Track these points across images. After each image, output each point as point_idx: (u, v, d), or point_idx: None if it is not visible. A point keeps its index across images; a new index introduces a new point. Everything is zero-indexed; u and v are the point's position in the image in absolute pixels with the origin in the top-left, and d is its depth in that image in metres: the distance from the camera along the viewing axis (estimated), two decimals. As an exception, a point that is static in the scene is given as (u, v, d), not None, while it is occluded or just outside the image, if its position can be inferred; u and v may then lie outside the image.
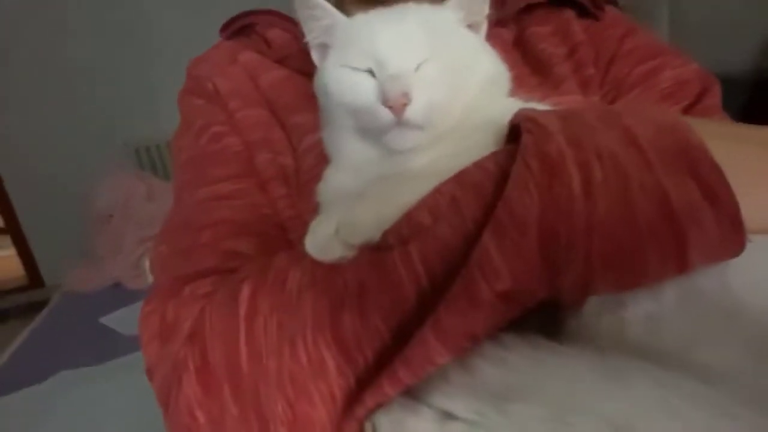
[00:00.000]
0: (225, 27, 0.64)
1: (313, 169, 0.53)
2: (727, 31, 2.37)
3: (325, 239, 0.39)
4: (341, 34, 0.48)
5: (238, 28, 0.63)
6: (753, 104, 2.25)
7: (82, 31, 2.83)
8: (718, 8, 2.43)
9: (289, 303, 0.38)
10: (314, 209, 0.50)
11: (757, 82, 2.32)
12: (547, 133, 0.32)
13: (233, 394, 0.38)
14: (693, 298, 0.31)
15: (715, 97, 0.55)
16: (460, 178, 0.36)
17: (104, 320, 1.96)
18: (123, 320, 1.91)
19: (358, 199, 0.41)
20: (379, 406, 0.34)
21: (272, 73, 0.60)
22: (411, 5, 0.48)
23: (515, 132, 0.36)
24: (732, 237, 0.30)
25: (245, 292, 0.40)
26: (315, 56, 0.51)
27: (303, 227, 0.50)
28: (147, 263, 2.06)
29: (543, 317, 0.35)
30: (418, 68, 0.43)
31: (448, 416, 0.32)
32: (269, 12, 0.61)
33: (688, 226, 0.29)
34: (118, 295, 2.15)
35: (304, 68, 0.59)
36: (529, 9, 0.61)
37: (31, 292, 3.22)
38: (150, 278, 0.54)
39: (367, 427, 0.35)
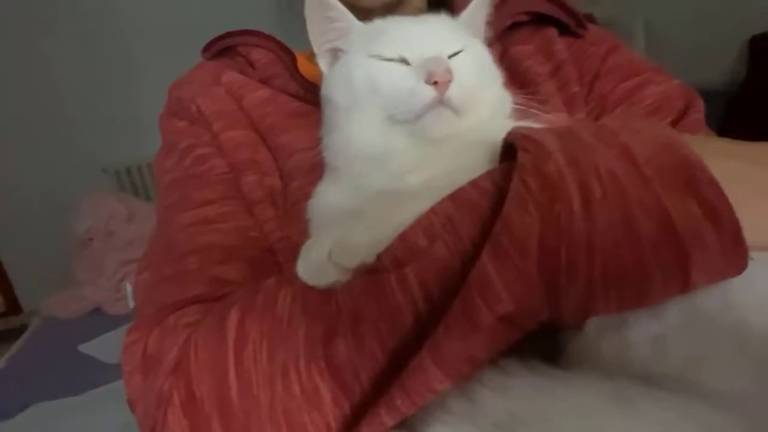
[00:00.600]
0: (207, 48, 0.63)
1: (300, 189, 0.52)
2: (702, 46, 2.43)
3: (318, 263, 0.37)
4: (359, 36, 0.48)
5: (221, 49, 0.62)
6: (729, 117, 2.30)
7: (61, 52, 2.80)
8: (693, 24, 2.50)
9: (279, 329, 0.37)
10: (303, 231, 0.49)
11: (732, 96, 2.38)
12: (546, 152, 0.32)
13: (223, 429, 0.36)
14: (697, 318, 0.31)
15: (699, 112, 0.56)
16: (456, 198, 0.35)
17: (84, 348, 1.90)
18: (104, 347, 1.86)
19: (351, 220, 0.40)
20: (376, 437, 0.33)
21: (256, 94, 0.59)
22: (428, 15, 0.51)
23: (510, 150, 0.35)
24: (734, 255, 0.29)
25: (233, 318, 0.39)
26: (323, 62, 0.51)
27: (292, 250, 0.49)
28: (128, 287, 2.02)
29: (542, 340, 0.34)
30: (450, 58, 0.45)
31: (448, 447, 0.31)
32: (252, 32, 0.61)
33: (690, 244, 0.29)
34: (99, 321, 2.10)
35: (288, 88, 0.59)
36: (512, 28, 0.61)
37: (8, 319, 3.13)
38: (132, 303, 0.52)
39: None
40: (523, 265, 0.30)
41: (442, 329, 0.31)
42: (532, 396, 0.31)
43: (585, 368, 0.32)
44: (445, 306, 0.32)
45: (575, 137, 0.33)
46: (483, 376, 0.32)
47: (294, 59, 0.59)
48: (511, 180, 0.32)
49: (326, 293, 0.37)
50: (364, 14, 0.50)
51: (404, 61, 0.45)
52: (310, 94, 0.57)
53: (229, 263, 0.48)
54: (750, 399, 0.28)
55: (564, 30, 0.62)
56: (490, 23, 0.53)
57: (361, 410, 0.34)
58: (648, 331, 0.31)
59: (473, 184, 0.35)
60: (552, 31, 0.62)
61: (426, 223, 0.35)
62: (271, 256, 0.51)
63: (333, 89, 0.49)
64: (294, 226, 0.51)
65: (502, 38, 0.61)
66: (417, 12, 0.65)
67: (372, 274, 0.35)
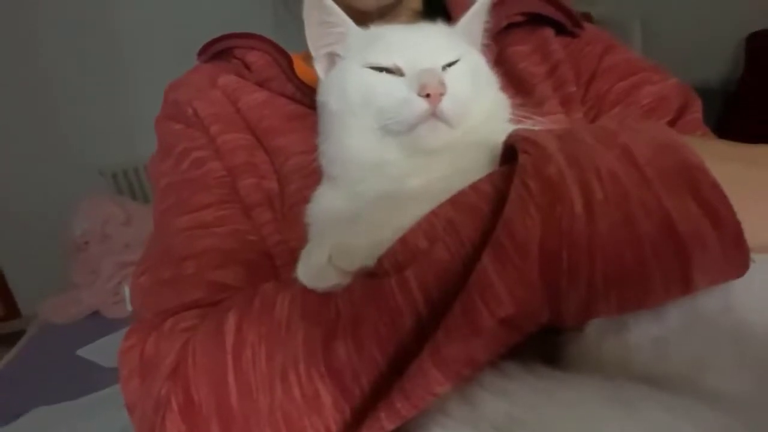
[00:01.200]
0: (203, 50, 0.63)
1: (298, 192, 0.52)
2: (699, 45, 2.43)
3: (317, 266, 0.37)
4: (357, 41, 0.48)
5: (217, 51, 0.62)
6: (725, 115, 2.31)
7: (57, 55, 2.79)
8: (690, 23, 2.50)
9: (278, 332, 0.37)
10: (300, 234, 0.49)
11: (729, 94, 2.38)
12: (546, 154, 0.31)
13: None
14: (697, 320, 0.31)
15: (697, 112, 0.56)
16: (456, 201, 0.35)
17: (82, 352, 1.89)
18: (102, 351, 1.85)
19: (351, 224, 0.40)
20: (376, 441, 0.33)
21: (252, 96, 0.59)
22: (425, 23, 0.50)
23: (510, 152, 0.35)
24: (735, 256, 0.29)
25: (231, 322, 0.39)
26: (319, 67, 0.51)
27: (289, 254, 0.49)
28: (126, 290, 2.01)
29: (542, 342, 0.34)
30: (444, 69, 0.45)
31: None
32: (248, 35, 0.61)
33: (691, 246, 0.29)
34: (97, 324, 2.08)
35: (285, 91, 0.58)
36: (508, 28, 0.61)
37: (6, 323, 3.12)
38: (130, 306, 0.51)
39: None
40: (524, 268, 0.30)
41: (442, 332, 0.31)
42: (532, 399, 0.31)
43: (585, 370, 0.32)
44: (445, 309, 0.32)
45: (575, 139, 0.33)
46: (483, 378, 0.32)
47: (290, 61, 0.59)
48: (512, 183, 0.32)
49: (325, 296, 0.37)
50: (359, 16, 0.50)
51: (399, 71, 0.45)
52: (306, 97, 0.57)
53: (226, 267, 0.47)
54: (751, 401, 0.28)
55: (560, 30, 0.62)
56: (487, 29, 0.53)
57: (361, 414, 0.34)
58: (648, 333, 0.31)
59: (473, 187, 0.35)
60: (548, 32, 0.62)
61: (426, 226, 0.34)
62: (269, 260, 0.51)
63: (328, 96, 0.49)
64: (292, 230, 0.51)
65: (498, 39, 0.61)
66: (413, 15, 0.65)
67: (372, 277, 0.35)
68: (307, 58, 0.58)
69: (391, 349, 0.33)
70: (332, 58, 0.50)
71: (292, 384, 0.35)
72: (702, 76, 2.14)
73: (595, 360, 0.33)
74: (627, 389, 0.29)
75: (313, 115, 0.53)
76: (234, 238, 0.50)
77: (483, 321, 0.30)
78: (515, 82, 0.59)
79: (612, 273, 0.29)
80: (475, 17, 0.50)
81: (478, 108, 0.46)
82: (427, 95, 0.42)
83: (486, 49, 0.53)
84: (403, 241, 0.35)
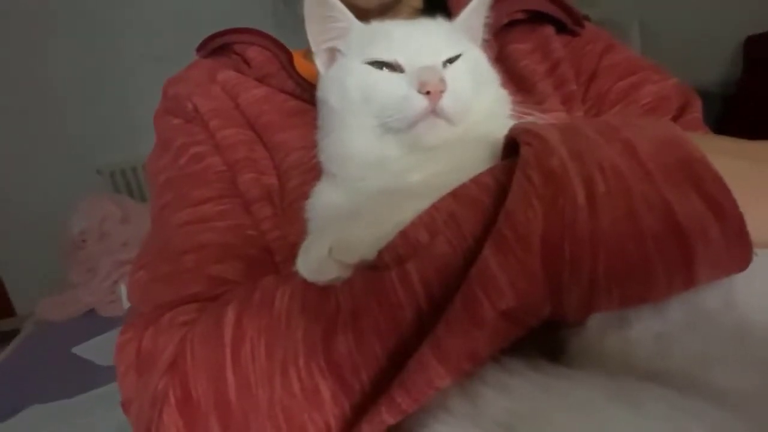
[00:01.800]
0: (202, 46, 0.63)
1: (298, 188, 0.52)
2: (697, 48, 2.44)
3: (318, 259, 0.37)
4: (358, 37, 0.48)
5: (216, 47, 0.62)
6: (724, 118, 2.31)
7: (55, 53, 2.79)
8: (688, 26, 2.51)
9: (278, 326, 0.37)
10: (300, 230, 0.48)
11: (727, 97, 2.39)
12: (549, 146, 0.31)
13: (221, 428, 0.36)
14: (699, 317, 0.30)
15: (697, 111, 0.56)
16: (458, 194, 0.35)
17: (77, 350, 1.89)
18: (98, 349, 1.84)
19: (352, 217, 0.40)
20: (377, 436, 0.33)
21: (252, 92, 0.59)
22: (426, 18, 0.50)
23: (512, 146, 0.35)
24: (738, 250, 0.29)
25: (230, 315, 0.39)
26: (319, 61, 0.50)
27: (289, 249, 0.49)
28: (123, 289, 2.00)
29: (544, 337, 0.33)
30: (445, 66, 0.45)
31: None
32: (248, 31, 0.60)
33: (694, 239, 0.28)
34: (93, 323, 2.07)
35: (285, 86, 0.58)
36: (509, 26, 0.61)
37: (1, 322, 3.11)
38: (126, 304, 0.51)
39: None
40: (526, 260, 0.29)
41: (443, 324, 0.31)
42: (534, 394, 0.30)
43: (587, 365, 0.32)
44: (446, 303, 0.31)
45: (578, 132, 0.32)
46: (484, 373, 0.31)
47: (290, 57, 0.59)
48: (514, 176, 0.32)
49: (325, 290, 0.37)
50: (360, 14, 0.50)
51: (399, 68, 0.45)
52: (306, 93, 0.57)
53: (226, 262, 0.47)
54: (754, 398, 0.27)
55: (561, 28, 0.62)
56: (487, 24, 0.53)
57: (361, 409, 0.34)
58: (650, 329, 0.31)
59: (475, 180, 0.35)
60: (549, 29, 0.62)
61: (427, 219, 0.34)
62: (269, 256, 0.50)
63: (328, 92, 0.48)
64: (291, 225, 0.50)
65: (499, 36, 0.61)
66: (414, 12, 0.65)
67: (372, 271, 0.35)
68: (307, 55, 0.58)
69: (392, 343, 0.33)
70: (333, 54, 0.50)
71: (291, 378, 0.35)
72: (700, 79, 2.14)
73: (597, 355, 0.32)
74: (631, 387, 0.29)
75: (313, 110, 0.53)
76: (234, 232, 0.50)
77: (484, 313, 0.30)
78: (516, 79, 0.59)
79: (614, 266, 0.29)
80: (475, 12, 0.50)
81: (479, 105, 0.46)
82: (427, 92, 0.42)
83: (486, 45, 0.53)
84: (404, 234, 0.34)
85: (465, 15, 0.50)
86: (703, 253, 0.29)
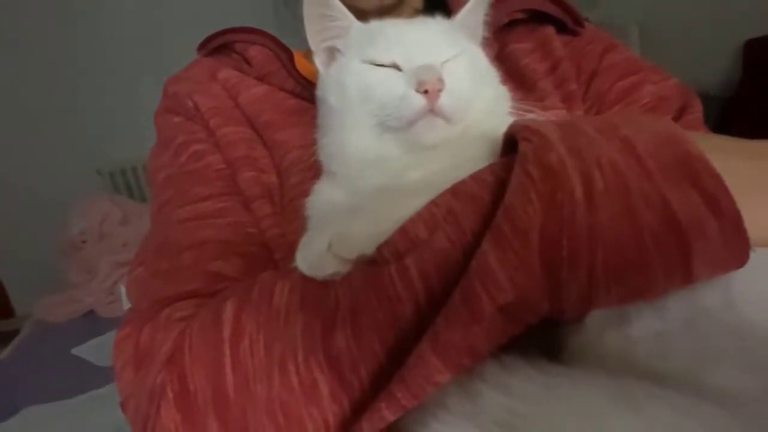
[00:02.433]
0: (203, 44, 0.63)
1: (297, 186, 0.52)
2: (697, 51, 2.44)
3: (317, 254, 0.37)
4: (357, 36, 0.48)
5: (217, 46, 0.62)
6: (723, 121, 2.32)
7: (54, 54, 2.79)
8: (688, 29, 2.51)
9: (276, 321, 0.36)
10: (299, 227, 0.49)
11: (727, 100, 2.39)
12: (547, 142, 0.31)
13: (219, 423, 0.36)
14: (699, 316, 0.30)
15: (697, 112, 0.56)
16: (457, 190, 0.35)
17: (76, 351, 1.88)
18: (97, 350, 1.84)
19: (351, 214, 0.40)
20: (376, 433, 0.32)
21: (252, 91, 0.59)
22: (425, 17, 0.50)
23: (511, 143, 0.35)
24: (736, 246, 0.29)
25: (229, 311, 0.39)
26: (319, 61, 0.51)
27: (288, 247, 0.49)
28: (122, 289, 2.00)
29: (543, 335, 0.33)
30: (443, 65, 0.45)
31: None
32: (248, 30, 0.60)
33: (692, 235, 0.28)
34: (92, 324, 2.07)
35: (285, 85, 0.58)
36: (509, 26, 0.61)
37: (0, 322, 3.10)
38: (126, 305, 0.51)
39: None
40: (524, 254, 0.29)
41: (442, 319, 0.31)
42: (533, 393, 0.30)
43: (587, 363, 0.32)
44: (445, 298, 0.31)
45: (577, 129, 0.32)
46: (484, 371, 0.31)
47: (291, 56, 0.59)
48: (513, 171, 0.32)
49: (324, 286, 0.37)
50: (359, 15, 0.50)
51: (397, 67, 0.45)
52: (306, 92, 0.57)
53: (225, 259, 0.47)
54: (754, 398, 0.27)
55: (561, 28, 0.62)
56: (487, 22, 0.53)
57: (359, 405, 0.34)
58: (650, 327, 0.31)
59: (474, 176, 0.35)
60: (549, 29, 0.62)
61: (427, 215, 0.34)
62: (268, 253, 0.50)
63: (327, 91, 0.49)
64: (291, 223, 0.50)
65: (499, 36, 0.61)
66: (414, 13, 0.65)
67: (371, 266, 0.35)
68: (308, 55, 0.58)
69: (390, 339, 0.33)
70: (332, 53, 0.50)
71: (290, 373, 0.35)
72: (700, 82, 2.14)
73: (596, 353, 0.32)
74: (631, 386, 0.29)
75: (313, 109, 0.53)
76: (233, 229, 0.50)
77: (483, 307, 0.30)
78: (517, 78, 0.59)
79: (612, 262, 0.29)
80: (474, 11, 0.50)
81: (478, 103, 0.46)
82: (426, 91, 0.42)
83: (486, 43, 0.53)
84: (403, 230, 0.34)
85: (464, 13, 0.50)
86: (701, 249, 0.29)
